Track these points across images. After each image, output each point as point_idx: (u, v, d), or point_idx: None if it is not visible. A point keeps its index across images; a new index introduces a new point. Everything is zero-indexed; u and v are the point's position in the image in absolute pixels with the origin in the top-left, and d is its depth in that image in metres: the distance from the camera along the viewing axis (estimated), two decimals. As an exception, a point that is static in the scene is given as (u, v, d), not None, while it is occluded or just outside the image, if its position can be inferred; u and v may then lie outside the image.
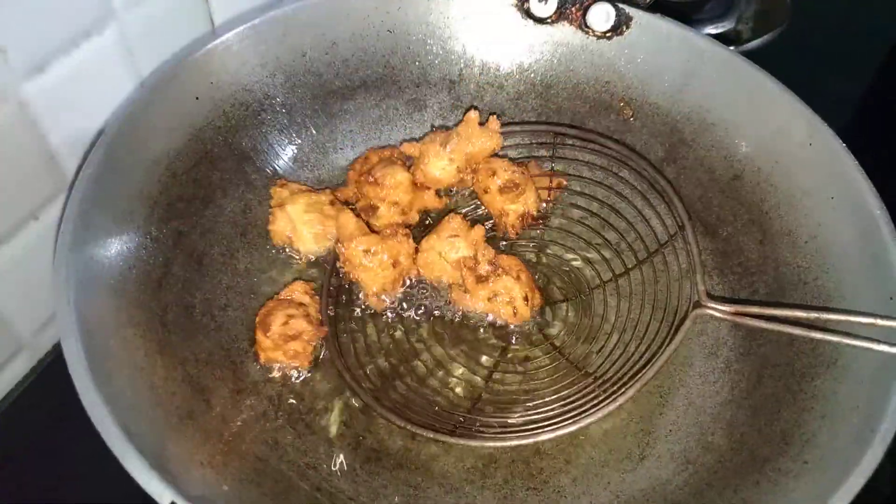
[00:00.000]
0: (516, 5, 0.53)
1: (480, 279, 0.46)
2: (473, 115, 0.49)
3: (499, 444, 0.40)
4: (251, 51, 0.48)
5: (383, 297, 0.46)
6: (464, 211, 0.52)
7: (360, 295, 0.46)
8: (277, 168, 0.50)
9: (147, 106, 0.43)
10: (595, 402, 0.41)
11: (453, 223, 0.47)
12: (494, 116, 0.50)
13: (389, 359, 0.44)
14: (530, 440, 0.40)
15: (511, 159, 0.51)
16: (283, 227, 0.47)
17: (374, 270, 0.45)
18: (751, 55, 0.73)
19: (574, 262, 0.50)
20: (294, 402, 0.41)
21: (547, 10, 0.53)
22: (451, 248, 0.46)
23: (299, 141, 0.51)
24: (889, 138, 0.68)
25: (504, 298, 0.46)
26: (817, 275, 0.42)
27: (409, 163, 0.50)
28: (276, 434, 0.39)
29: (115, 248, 0.39)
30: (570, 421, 0.40)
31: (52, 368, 0.48)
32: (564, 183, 0.53)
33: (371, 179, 0.48)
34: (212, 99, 0.47)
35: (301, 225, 0.47)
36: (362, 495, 0.37)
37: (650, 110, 0.52)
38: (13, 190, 0.43)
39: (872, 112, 0.71)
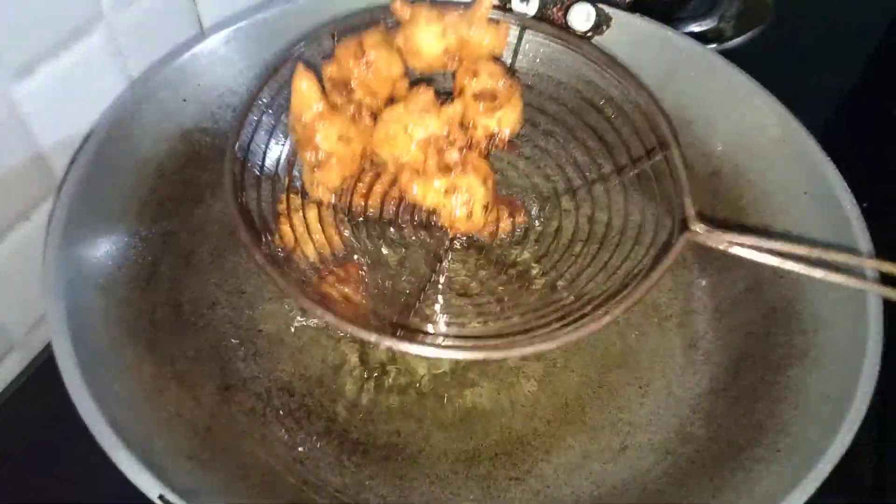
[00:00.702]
0: (498, 5, 0.54)
1: (443, 167, 0.40)
2: (489, 2, 0.43)
3: (456, 354, 0.35)
4: (238, 53, 0.48)
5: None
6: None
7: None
8: (265, 169, 0.50)
9: (135, 108, 0.44)
10: (571, 320, 0.37)
11: (425, 96, 0.41)
12: (505, 24, 0.45)
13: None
14: (500, 354, 0.36)
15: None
16: (291, 229, 0.46)
17: (343, 159, 0.39)
18: (733, 53, 0.74)
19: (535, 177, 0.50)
20: (282, 398, 0.42)
21: (528, 9, 0.54)
22: (420, 123, 0.40)
23: (286, 142, 0.51)
24: (871, 135, 0.70)
25: (462, 197, 0.40)
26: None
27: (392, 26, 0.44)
28: (263, 429, 0.40)
29: (104, 247, 0.40)
30: (542, 338, 0.35)
31: (44, 368, 0.48)
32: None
33: (364, 60, 0.41)
34: (199, 101, 0.47)
35: (312, 232, 0.45)
36: (349, 487, 0.38)
37: (630, 108, 0.53)
38: (4, 191, 0.44)
39: (854, 109, 0.72)
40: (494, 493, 0.39)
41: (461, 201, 0.40)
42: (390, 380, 0.43)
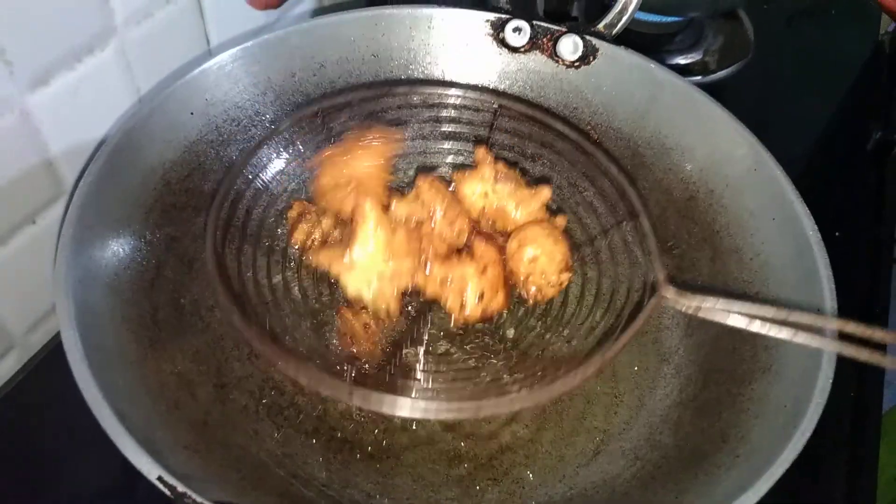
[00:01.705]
0: (492, 35, 0.57)
1: (440, 256, 0.42)
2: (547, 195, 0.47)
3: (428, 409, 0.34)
4: (244, 71, 0.51)
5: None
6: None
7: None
8: (265, 180, 0.53)
9: (145, 120, 0.46)
10: (547, 379, 0.37)
11: (426, 185, 0.44)
12: (563, 218, 0.48)
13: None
14: (467, 413, 0.37)
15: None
16: (308, 232, 0.49)
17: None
18: (716, 85, 0.78)
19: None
20: (274, 397, 0.44)
21: (520, 40, 0.57)
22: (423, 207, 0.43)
23: (286, 155, 0.53)
24: (845, 167, 0.73)
25: (455, 287, 0.42)
26: (759, 289, 0.46)
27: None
28: (256, 426, 0.41)
29: (111, 249, 0.42)
30: (518, 396, 0.36)
31: (41, 366, 0.50)
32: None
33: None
34: (206, 114, 0.50)
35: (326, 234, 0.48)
36: (335, 483, 0.40)
37: (614, 135, 0.56)
38: (13, 195, 0.46)
39: (830, 141, 0.75)
40: (472, 492, 0.41)
41: (454, 290, 0.42)
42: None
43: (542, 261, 0.44)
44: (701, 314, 0.40)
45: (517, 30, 0.57)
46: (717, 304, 0.39)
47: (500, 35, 0.57)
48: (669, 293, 0.41)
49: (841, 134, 0.76)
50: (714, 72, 0.82)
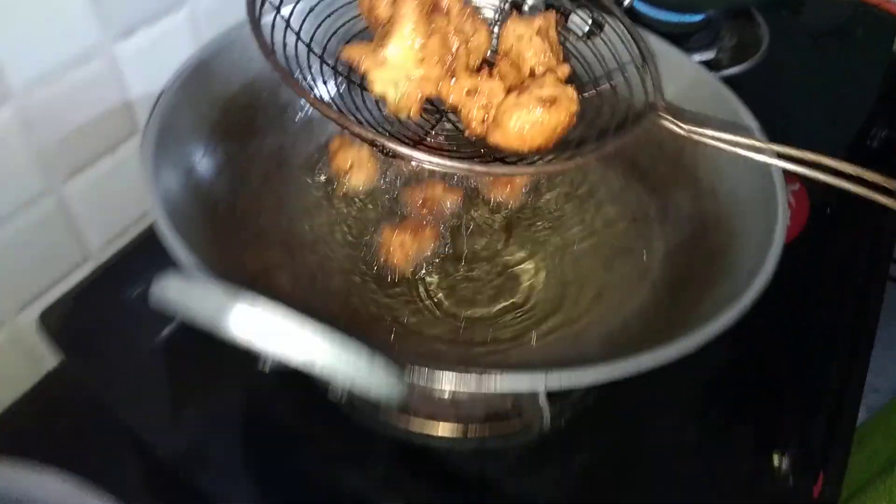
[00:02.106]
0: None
1: (469, 68, 0.43)
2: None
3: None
4: (296, 26, 0.59)
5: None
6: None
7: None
8: (307, 120, 0.61)
9: (213, 57, 0.54)
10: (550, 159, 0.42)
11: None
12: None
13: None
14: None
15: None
16: (347, 159, 0.57)
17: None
18: (731, 80, 0.84)
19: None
20: (304, 283, 0.52)
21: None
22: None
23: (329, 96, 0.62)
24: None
25: (481, 101, 0.42)
26: (729, 219, 0.53)
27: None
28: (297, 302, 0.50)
29: (182, 155, 0.50)
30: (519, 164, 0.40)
31: (107, 274, 0.59)
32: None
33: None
34: (262, 60, 0.58)
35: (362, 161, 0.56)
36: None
37: (615, 96, 0.63)
38: (99, 128, 0.54)
39: (831, 137, 0.81)
40: (471, 358, 0.49)
41: (479, 104, 0.42)
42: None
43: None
44: (694, 136, 0.45)
45: (533, 8, 0.65)
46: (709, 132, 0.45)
47: (523, 6, 0.65)
48: (665, 112, 0.45)
49: (847, 136, 0.82)
50: (727, 67, 0.88)
